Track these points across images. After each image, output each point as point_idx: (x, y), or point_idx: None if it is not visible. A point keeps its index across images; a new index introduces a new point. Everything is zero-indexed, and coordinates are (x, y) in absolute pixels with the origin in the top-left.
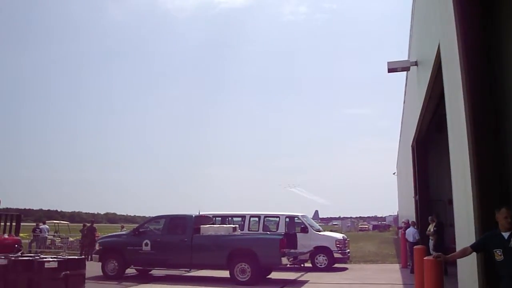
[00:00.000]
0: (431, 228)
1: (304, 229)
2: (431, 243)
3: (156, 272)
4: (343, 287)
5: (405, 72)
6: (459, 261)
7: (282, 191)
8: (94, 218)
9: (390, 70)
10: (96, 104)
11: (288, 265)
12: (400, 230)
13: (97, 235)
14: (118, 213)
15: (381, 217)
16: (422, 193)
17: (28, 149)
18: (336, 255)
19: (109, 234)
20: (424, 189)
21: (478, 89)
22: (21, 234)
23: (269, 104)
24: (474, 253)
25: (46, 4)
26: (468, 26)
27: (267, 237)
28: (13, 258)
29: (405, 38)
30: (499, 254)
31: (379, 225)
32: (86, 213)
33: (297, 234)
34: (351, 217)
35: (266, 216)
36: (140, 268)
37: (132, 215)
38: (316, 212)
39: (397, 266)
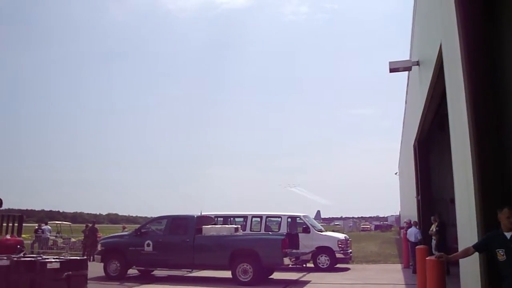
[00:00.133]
0: (433, 228)
1: (306, 229)
2: (433, 243)
3: (158, 272)
4: (345, 287)
5: (406, 72)
6: (461, 261)
7: (282, 191)
8: (96, 218)
9: (392, 70)
10: (97, 104)
11: (290, 266)
12: (402, 230)
13: (99, 235)
14: (120, 213)
15: (383, 217)
16: (424, 192)
17: (30, 149)
18: (338, 255)
19: (111, 235)
20: (426, 189)
21: (480, 89)
22: (23, 235)
23: (270, 104)
24: (477, 253)
25: (46, 4)
26: (470, 26)
27: (269, 237)
28: (15, 258)
29: (406, 37)
30: (502, 254)
31: (381, 225)
32: (88, 213)
33: (299, 234)
34: (353, 217)
35: (268, 216)
36: (142, 268)
37: (134, 215)
38: (318, 212)
39: (399, 266)
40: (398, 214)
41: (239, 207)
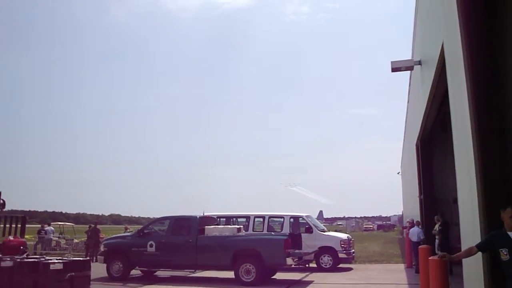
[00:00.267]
0: (436, 227)
1: (309, 229)
2: (436, 242)
3: (161, 273)
4: (348, 287)
5: (408, 72)
6: (464, 260)
7: (283, 190)
8: (99, 219)
9: (394, 70)
10: (97, 105)
11: (293, 266)
12: (405, 230)
13: (101, 236)
14: (122, 214)
15: (386, 216)
16: (427, 192)
17: (32, 150)
18: (341, 255)
19: (114, 236)
20: (428, 188)
21: (482, 88)
22: (26, 236)
23: (271, 104)
24: (480, 253)
25: (47, 5)
26: (472, 25)
27: (271, 237)
28: (18, 260)
29: (408, 37)
30: (505, 253)
31: (384, 225)
32: (90, 214)
33: (302, 234)
34: (355, 217)
35: (270, 216)
36: (145, 269)
37: (137, 216)
38: (321, 212)
39: (402, 266)
40: (401, 213)
41: (241, 207)
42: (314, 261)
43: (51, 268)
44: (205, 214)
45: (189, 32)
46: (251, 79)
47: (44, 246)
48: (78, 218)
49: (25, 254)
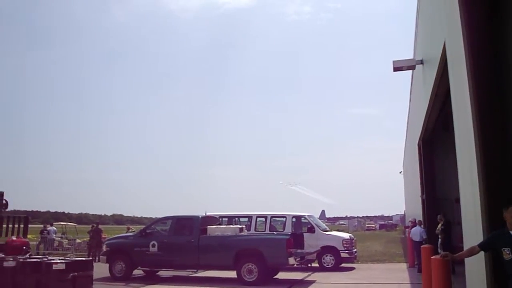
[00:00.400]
0: (439, 227)
1: (311, 229)
2: (439, 242)
3: (163, 273)
4: (350, 287)
5: (410, 71)
6: (466, 260)
7: (283, 189)
8: (101, 219)
9: (396, 69)
10: (99, 105)
11: (295, 265)
12: (407, 229)
13: (103, 236)
14: (125, 214)
15: (388, 216)
16: (429, 192)
17: (34, 151)
18: (343, 254)
19: (116, 236)
20: (431, 188)
21: (485, 88)
22: (29, 236)
23: (273, 104)
24: (482, 252)
25: (48, 5)
26: (474, 24)
27: (274, 237)
28: (21, 260)
29: (410, 36)
30: (508, 253)
31: (386, 224)
32: (93, 214)
33: (304, 234)
34: (357, 217)
35: (272, 216)
36: (147, 269)
37: (139, 216)
38: (323, 212)
39: (404, 266)
40: (403, 213)
41: (243, 207)
42: (316, 261)
43: (53, 268)
44: (207, 214)
45: (190, 32)
46: (252, 79)
47: (46, 246)
48: (80, 218)
49: (28, 254)
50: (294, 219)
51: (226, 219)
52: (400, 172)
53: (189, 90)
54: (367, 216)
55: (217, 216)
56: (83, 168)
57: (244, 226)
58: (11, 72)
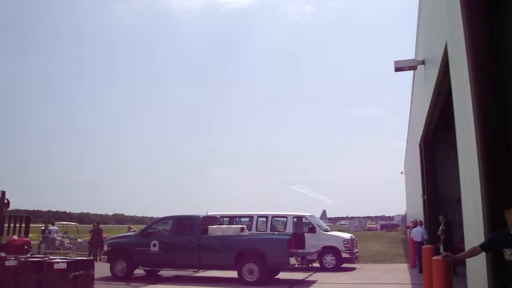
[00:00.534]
0: (441, 228)
1: (312, 229)
2: (441, 242)
3: (164, 272)
4: (351, 287)
5: (412, 71)
6: (468, 260)
7: (282, 188)
8: (102, 219)
9: (397, 69)
10: (100, 105)
11: (296, 265)
12: (408, 230)
13: (104, 236)
14: (126, 214)
15: (389, 216)
16: (430, 192)
17: (35, 151)
18: (344, 255)
19: (118, 235)
20: (432, 188)
21: (486, 88)
22: (30, 235)
23: (275, 104)
24: (484, 253)
25: (50, 5)
26: (476, 24)
27: (275, 237)
28: (23, 259)
29: (412, 36)
30: (509, 253)
31: (387, 224)
32: (94, 214)
33: (305, 234)
34: (358, 217)
35: (273, 216)
36: (149, 268)
37: (140, 216)
38: (324, 212)
39: (405, 266)
40: (404, 213)
41: (244, 208)
42: (317, 261)
43: (55, 267)
44: (209, 213)
45: (192, 33)
46: (253, 79)
47: (48, 245)
48: (81, 218)
49: (29, 253)
50: (295, 219)
51: (227, 219)
52: (402, 173)
53: (190, 90)
54: (368, 216)
55: (218, 216)
56: (85, 168)
57: (245, 226)
58: (12, 72)
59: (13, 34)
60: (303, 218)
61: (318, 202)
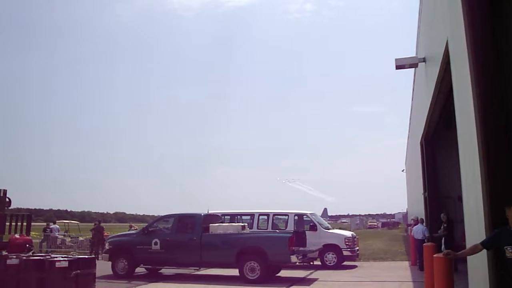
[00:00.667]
0: (442, 227)
1: (313, 227)
2: (442, 239)
3: (165, 270)
4: (352, 285)
5: (413, 69)
6: (469, 258)
7: (283, 187)
8: (103, 217)
9: (398, 67)
10: (101, 105)
11: (297, 263)
12: (409, 227)
13: (105, 234)
14: (127, 212)
15: (390, 214)
16: (431, 190)
17: (37, 150)
18: (345, 252)
19: (119, 234)
20: (433, 186)
21: (487, 85)
22: (32, 234)
23: (276, 102)
24: (485, 250)
25: (50, 5)
26: (477, 21)
27: (276, 235)
28: (24, 257)
29: (413, 34)
30: (510, 251)
31: (388, 222)
32: (95, 212)
33: (306, 232)
34: (360, 215)
35: (275, 214)
36: (150, 267)
37: (141, 214)
38: (325, 210)
39: (406, 264)
40: (405, 211)
41: (245, 206)
42: (318, 259)
43: (56, 266)
44: (210, 212)
45: (193, 31)
46: (254, 78)
47: (49, 244)
48: (83, 216)
49: (31, 252)
50: (296, 217)
51: (229, 217)
52: (403, 170)
53: (191, 89)
54: (369, 214)
55: (220, 214)
56: (86, 167)
57: (246, 224)
58: (12, 72)
59: (13, 34)
60: (304, 216)
61: (319, 200)
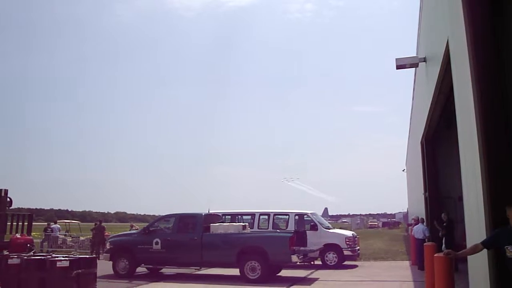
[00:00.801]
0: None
1: (314, 227)
2: (443, 239)
3: (166, 270)
4: (353, 284)
5: (413, 69)
6: (469, 258)
7: (283, 187)
8: (104, 217)
9: (399, 67)
10: (101, 104)
11: (298, 263)
12: (410, 227)
13: (106, 234)
14: (128, 212)
15: (391, 214)
16: (432, 189)
17: (37, 150)
18: (346, 252)
19: (120, 233)
20: (433, 186)
21: (488, 85)
22: (33, 234)
23: (277, 102)
24: (485, 250)
25: (51, 5)
26: (477, 21)
27: (277, 235)
28: (25, 257)
29: (413, 34)
30: (511, 250)
31: (389, 222)
32: (96, 212)
33: (307, 231)
34: (360, 214)
35: (275, 214)
36: (151, 266)
37: (142, 214)
38: (326, 209)
39: (407, 263)
40: (406, 211)
41: (245, 206)
42: (319, 258)
43: (57, 265)
44: (210, 211)
45: (193, 31)
46: (254, 77)
47: (50, 243)
48: (84, 216)
49: (32, 251)
50: (297, 217)
51: (229, 217)
52: (403, 170)
53: (191, 88)
54: (369, 214)
55: (220, 214)
56: (87, 167)
57: (247, 224)
58: (13, 72)
59: (14, 34)
60: (305, 216)
61: (320, 200)
